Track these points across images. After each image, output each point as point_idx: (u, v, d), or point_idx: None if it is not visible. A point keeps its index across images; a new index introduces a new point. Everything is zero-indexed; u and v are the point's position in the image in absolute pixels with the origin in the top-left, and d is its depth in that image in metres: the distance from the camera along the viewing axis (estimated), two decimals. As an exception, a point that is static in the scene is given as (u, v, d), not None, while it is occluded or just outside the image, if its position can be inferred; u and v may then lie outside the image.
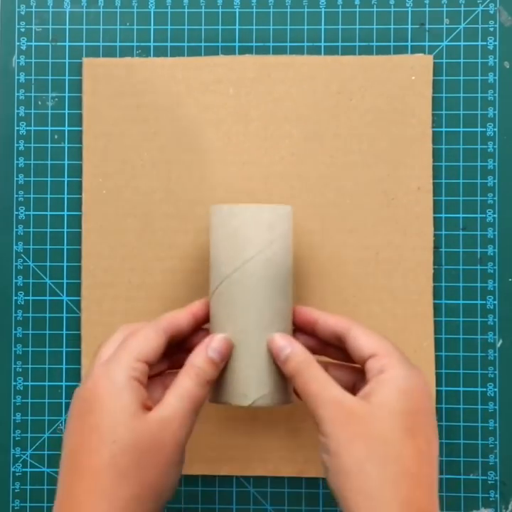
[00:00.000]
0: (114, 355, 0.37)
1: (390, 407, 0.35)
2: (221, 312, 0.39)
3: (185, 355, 0.39)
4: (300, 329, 0.41)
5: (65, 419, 0.38)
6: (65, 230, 0.47)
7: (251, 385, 0.39)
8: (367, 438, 0.35)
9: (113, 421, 0.35)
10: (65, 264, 0.47)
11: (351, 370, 0.40)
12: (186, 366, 0.38)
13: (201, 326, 0.41)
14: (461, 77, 0.46)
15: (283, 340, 0.38)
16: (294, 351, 0.38)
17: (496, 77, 0.46)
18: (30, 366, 0.47)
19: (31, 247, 0.47)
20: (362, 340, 0.38)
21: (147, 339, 0.37)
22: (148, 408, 0.36)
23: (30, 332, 0.47)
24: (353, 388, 0.39)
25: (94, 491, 0.35)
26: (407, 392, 0.36)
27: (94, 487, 0.35)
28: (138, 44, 0.47)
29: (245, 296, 0.39)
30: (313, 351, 0.40)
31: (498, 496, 0.46)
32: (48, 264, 0.47)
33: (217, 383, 0.40)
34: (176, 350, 0.40)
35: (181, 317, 0.39)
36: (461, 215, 0.46)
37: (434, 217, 0.46)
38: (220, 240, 0.40)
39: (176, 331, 0.39)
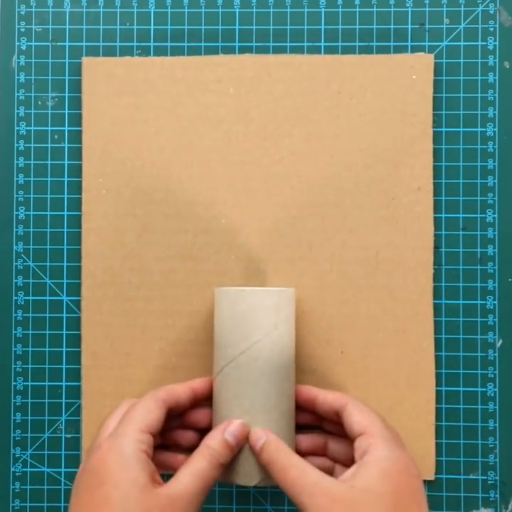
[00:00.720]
0: (120, 428, 0.38)
1: (372, 491, 0.36)
2: (227, 393, 0.41)
3: (181, 431, 0.41)
4: (301, 407, 0.43)
5: (71, 488, 0.38)
6: (65, 230, 0.47)
7: (256, 466, 0.40)
8: None
9: (123, 494, 0.35)
10: (65, 264, 0.47)
11: (350, 443, 0.41)
12: (202, 447, 0.38)
13: (199, 403, 0.42)
14: (461, 77, 0.46)
15: (258, 432, 0.40)
16: (269, 440, 0.39)
17: (496, 77, 0.46)
18: (30, 366, 0.47)
19: (31, 247, 0.47)
20: (355, 417, 0.39)
21: (149, 410, 0.38)
22: (156, 481, 0.37)
23: (30, 332, 0.47)
24: (353, 461, 0.39)
25: None
26: (390, 474, 0.36)
27: None
28: (138, 44, 0.47)
29: (252, 378, 0.40)
30: (313, 424, 0.43)
31: (498, 496, 0.46)
32: (47, 264, 0.47)
33: None
34: (170, 426, 0.41)
35: (180, 390, 0.41)
36: (461, 215, 0.46)
37: (434, 217, 0.46)
38: (227, 322, 0.41)
39: (174, 403, 0.40)
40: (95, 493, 0.36)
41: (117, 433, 0.37)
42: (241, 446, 0.40)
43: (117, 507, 0.35)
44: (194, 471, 0.37)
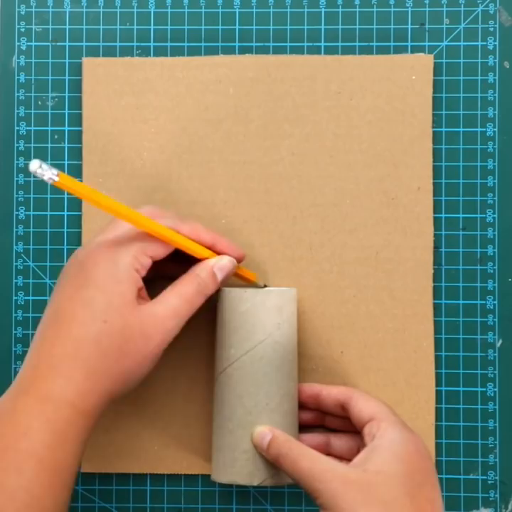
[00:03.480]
0: (125, 241, 0.38)
1: (386, 473, 0.36)
2: (229, 393, 0.41)
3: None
4: (304, 404, 0.43)
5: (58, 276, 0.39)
6: (65, 230, 0.47)
7: (260, 465, 0.40)
8: (367, 505, 0.35)
9: (108, 302, 0.36)
10: (65, 264, 0.47)
11: (353, 436, 0.42)
12: (190, 274, 0.39)
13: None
14: (461, 77, 0.46)
15: (263, 429, 0.40)
16: (275, 434, 0.39)
17: (496, 77, 0.46)
18: (30, 366, 0.47)
19: (31, 247, 0.47)
20: (362, 406, 0.40)
21: (158, 244, 0.38)
22: (143, 298, 0.38)
23: (30, 332, 0.47)
24: (357, 453, 0.39)
25: (74, 358, 0.36)
26: (402, 456, 0.37)
27: (75, 355, 0.36)
28: (138, 44, 0.47)
29: (255, 378, 0.40)
30: (315, 422, 0.43)
31: (497, 495, 0.46)
32: (47, 264, 0.47)
33: (223, 462, 0.41)
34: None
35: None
36: (461, 215, 0.46)
37: (434, 217, 0.46)
38: (229, 323, 0.41)
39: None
40: (80, 292, 0.37)
41: (121, 245, 0.37)
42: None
43: (98, 312, 0.36)
44: (180, 293, 0.38)
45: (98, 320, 0.36)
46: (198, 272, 0.39)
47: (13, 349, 0.47)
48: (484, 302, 0.46)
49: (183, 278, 0.39)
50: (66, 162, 0.47)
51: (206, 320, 0.45)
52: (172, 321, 0.38)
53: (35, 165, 0.33)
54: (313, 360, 0.45)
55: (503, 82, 0.46)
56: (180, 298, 0.38)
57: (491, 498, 0.46)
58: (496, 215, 0.46)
